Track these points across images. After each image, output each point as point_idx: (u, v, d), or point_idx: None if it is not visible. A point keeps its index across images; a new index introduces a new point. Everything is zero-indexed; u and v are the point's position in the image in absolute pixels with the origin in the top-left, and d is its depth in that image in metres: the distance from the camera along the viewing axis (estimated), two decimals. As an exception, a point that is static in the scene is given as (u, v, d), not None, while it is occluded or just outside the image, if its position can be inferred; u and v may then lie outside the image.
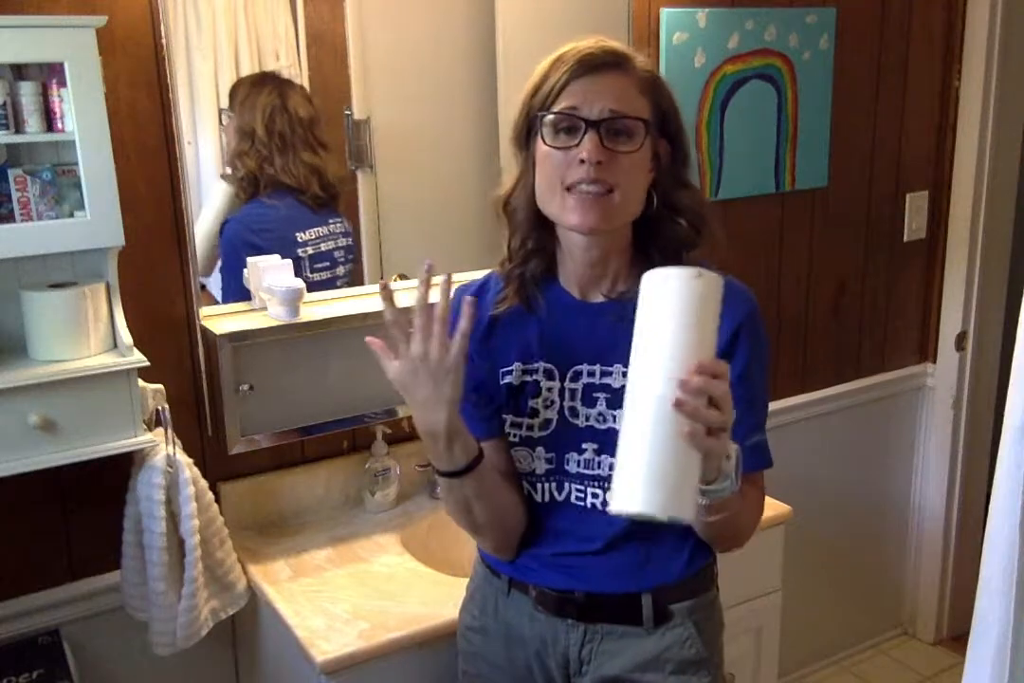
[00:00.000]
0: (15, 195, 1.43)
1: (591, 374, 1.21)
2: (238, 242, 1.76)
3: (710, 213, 1.25)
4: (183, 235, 1.66)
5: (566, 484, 1.24)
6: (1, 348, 1.50)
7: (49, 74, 1.40)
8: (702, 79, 2.10)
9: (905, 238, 2.56)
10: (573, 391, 1.22)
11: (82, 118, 1.39)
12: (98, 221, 1.44)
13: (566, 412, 1.22)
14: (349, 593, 1.59)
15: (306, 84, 1.77)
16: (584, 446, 1.22)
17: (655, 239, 1.22)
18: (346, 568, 1.67)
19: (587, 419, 1.21)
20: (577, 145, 1.12)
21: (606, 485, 1.19)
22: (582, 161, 1.11)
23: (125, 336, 1.50)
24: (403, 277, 1.90)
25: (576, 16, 1.95)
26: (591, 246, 1.20)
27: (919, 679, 2.73)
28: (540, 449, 1.24)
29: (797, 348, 2.45)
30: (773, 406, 2.41)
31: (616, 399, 1.17)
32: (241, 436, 1.72)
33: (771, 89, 2.21)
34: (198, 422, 1.74)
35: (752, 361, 1.20)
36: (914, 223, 2.56)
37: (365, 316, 1.74)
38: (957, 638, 2.78)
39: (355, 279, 1.88)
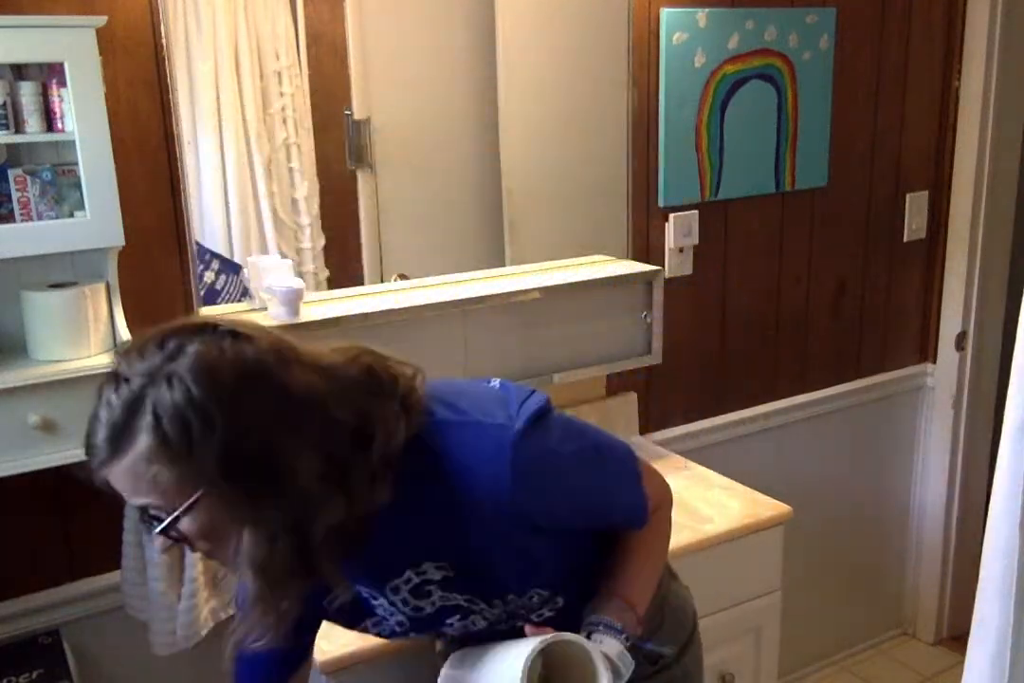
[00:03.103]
0: (15, 195, 1.43)
1: (408, 581, 1.11)
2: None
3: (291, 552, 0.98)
4: (183, 235, 1.66)
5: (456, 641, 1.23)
6: (1, 348, 1.50)
7: (49, 74, 1.40)
8: (702, 79, 2.10)
9: (905, 238, 2.56)
10: (404, 600, 1.13)
11: (82, 118, 1.39)
12: (98, 221, 1.44)
13: (410, 612, 1.15)
14: (349, 593, 1.59)
15: (306, 84, 1.77)
16: (448, 621, 1.17)
17: None
18: (346, 568, 1.67)
19: (433, 605, 1.13)
20: None
21: (494, 627, 1.17)
22: None
23: (125, 336, 1.50)
24: (403, 277, 1.90)
25: (576, 16, 1.95)
26: None
27: (919, 679, 2.73)
28: (413, 634, 1.20)
29: (797, 348, 2.45)
30: (774, 406, 2.42)
31: (446, 585, 1.11)
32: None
33: (771, 89, 2.21)
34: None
35: (560, 493, 1.10)
36: (914, 223, 2.56)
37: (365, 316, 1.74)
38: (957, 638, 2.78)
39: (346, 273, 1.88)
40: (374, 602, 1.16)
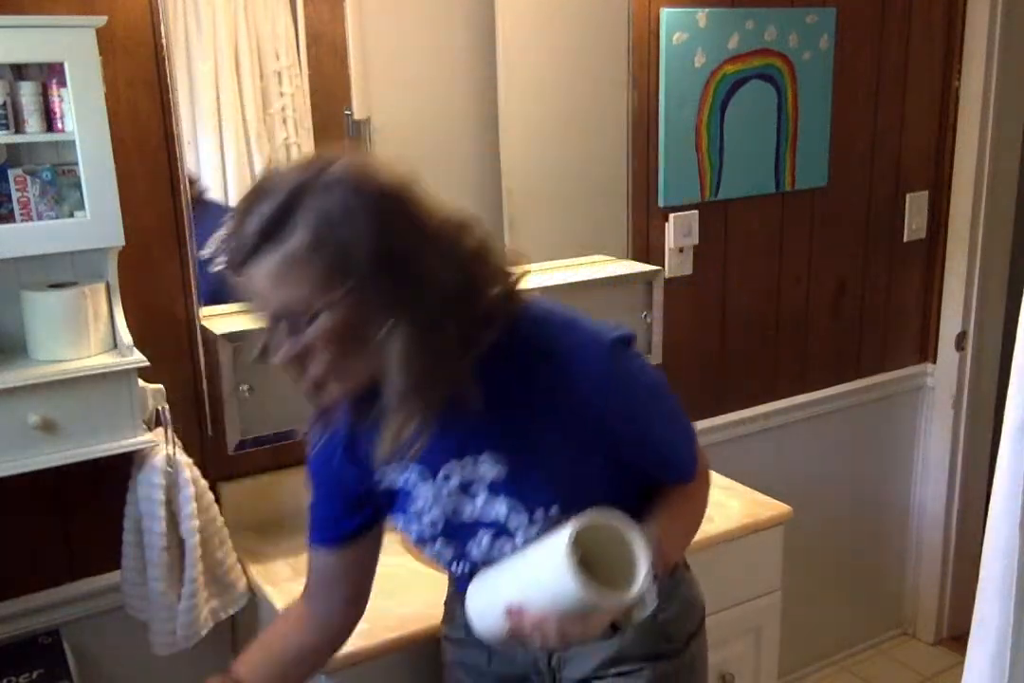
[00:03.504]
0: (15, 195, 1.43)
1: (462, 470, 1.15)
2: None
3: (442, 361, 1.03)
4: (183, 235, 1.66)
5: (477, 567, 1.22)
6: (1, 348, 1.50)
7: (49, 74, 1.40)
8: (702, 79, 2.10)
9: (905, 238, 2.56)
10: (449, 490, 1.17)
11: (82, 118, 1.39)
12: (98, 221, 1.44)
13: (448, 511, 1.18)
14: (349, 593, 1.59)
15: (306, 84, 1.76)
16: (479, 535, 1.19)
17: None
18: (346, 568, 1.67)
19: (472, 512, 1.17)
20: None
21: None
22: None
23: (125, 336, 1.50)
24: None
25: (576, 16, 1.95)
26: None
27: (919, 679, 2.73)
28: (439, 543, 1.22)
29: (797, 348, 2.45)
30: (774, 406, 2.42)
31: (495, 487, 1.14)
32: (241, 436, 1.72)
33: (771, 89, 2.21)
34: (198, 422, 1.74)
35: (635, 409, 1.15)
36: (914, 223, 2.56)
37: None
38: (957, 638, 2.78)
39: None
40: (420, 489, 1.18)
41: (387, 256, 0.98)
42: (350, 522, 1.24)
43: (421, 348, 1.00)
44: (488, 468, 1.14)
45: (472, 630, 1.16)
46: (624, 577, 1.03)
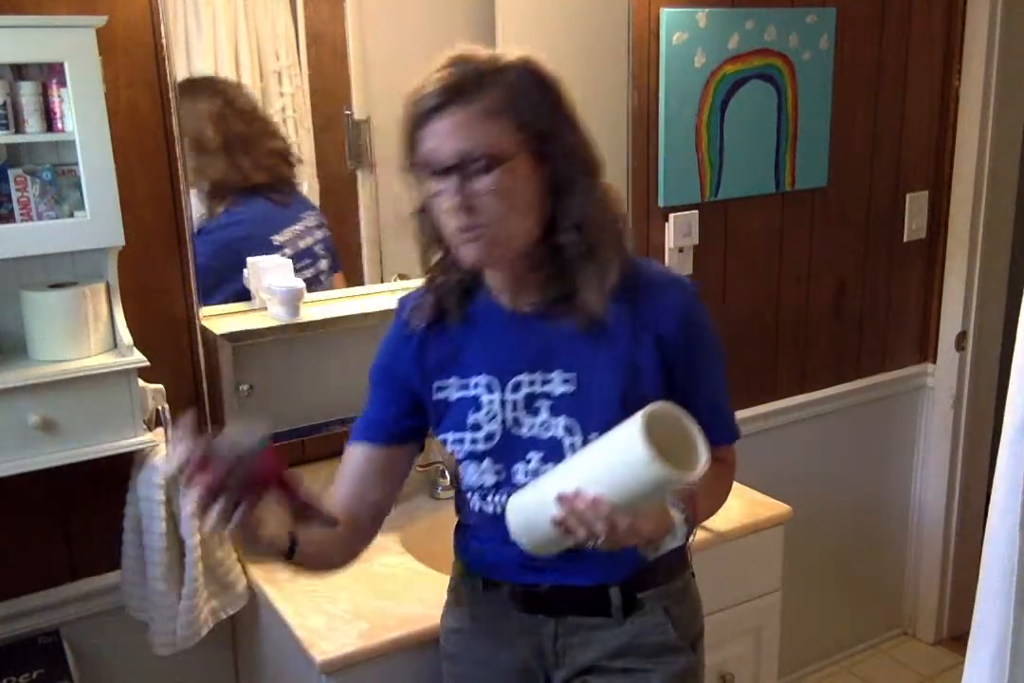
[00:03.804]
0: (15, 195, 1.43)
1: (531, 383, 1.21)
2: (217, 264, 1.73)
3: (610, 222, 1.19)
4: (183, 235, 1.66)
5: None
6: (1, 348, 1.50)
7: (49, 74, 1.40)
8: (702, 79, 2.10)
9: (905, 238, 2.56)
10: (515, 402, 1.22)
11: (82, 118, 1.39)
12: (98, 221, 1.44)
13: (509, 424, 1.22)
14: (349, 593, 1.59)
15: (306, 84, 1.77)
16: (529, 456, 1.22)
17: (560, 252, 1.18)
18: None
19: (531, 429, 1.22)
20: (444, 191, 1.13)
21: None
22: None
23: (125, 336, 1.50)
24: (403, 277, 1.90)
25: (576, 16, 1.95)
26: (501, 269, 1.20)
27: (919, 679, 2.73)
28: (487, 462, 1.24)
29: (797, 348, 2.45)
30: (774, 406, 2.42)
31: (558, 405, 1.20)
32: (241, 436, 1.71)
33: (771, 89, 2.21)
34: (198, 422, 1.74)
35: (701, 355, 1.25)
36: (914, 223, 2.56)
37: (365, 316, 1.74)
38: (957, 638, 2.78)
39: (346, 273, 1.88)
40: (484, 398, 1.23)
41: (564, 124, 1.14)
42: (400, 424, 1.30)
43: (600, 204, 1.16)
44: (557, 385, 1.20)
45: (513, 540, 1.15)
46: (683, 466, 1.04)
